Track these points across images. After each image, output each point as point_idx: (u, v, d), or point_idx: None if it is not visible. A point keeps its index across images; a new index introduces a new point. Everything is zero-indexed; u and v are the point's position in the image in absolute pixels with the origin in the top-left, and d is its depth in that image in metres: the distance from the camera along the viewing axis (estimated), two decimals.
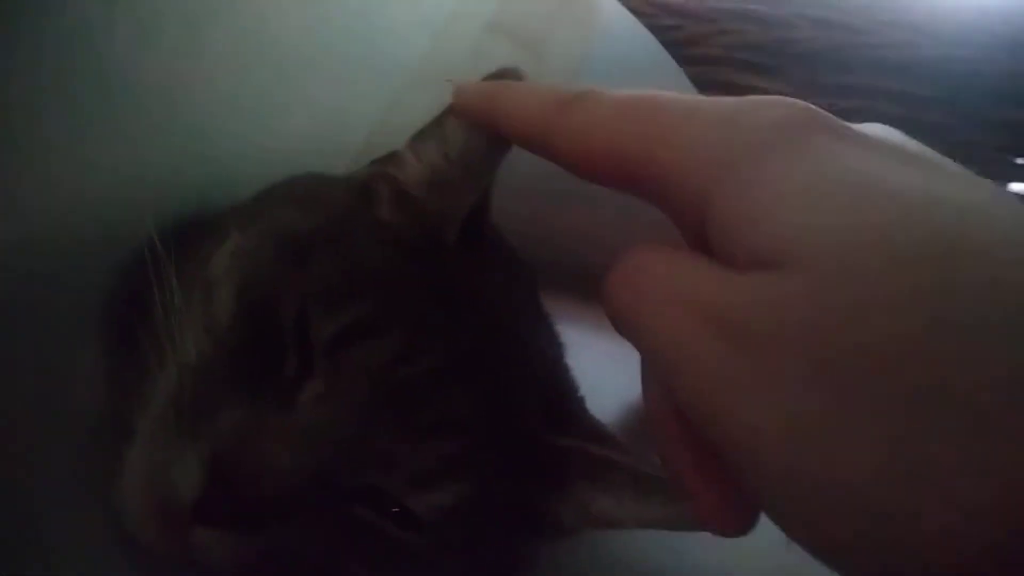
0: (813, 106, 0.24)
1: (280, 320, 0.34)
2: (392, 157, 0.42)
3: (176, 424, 0.33)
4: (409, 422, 0.34)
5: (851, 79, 0.61)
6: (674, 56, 0.62)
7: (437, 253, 0.38)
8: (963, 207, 0.21)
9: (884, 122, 0.26)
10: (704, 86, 0.63)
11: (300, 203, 0.40)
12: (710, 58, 0.68)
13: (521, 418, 0.37)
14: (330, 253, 0.36)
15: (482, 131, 0.37)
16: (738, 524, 0.25)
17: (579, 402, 0.43)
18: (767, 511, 0.22)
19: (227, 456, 0.31)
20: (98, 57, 0.39)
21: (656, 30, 0.63)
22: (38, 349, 0.38)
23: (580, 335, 0.48)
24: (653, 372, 0.26)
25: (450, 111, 0.39)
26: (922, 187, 0.21)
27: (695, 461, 0.25)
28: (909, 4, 0.63)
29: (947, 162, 0.24)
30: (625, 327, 0.24)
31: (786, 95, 0.25)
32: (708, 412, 0.21)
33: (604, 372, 0.48)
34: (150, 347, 0.36)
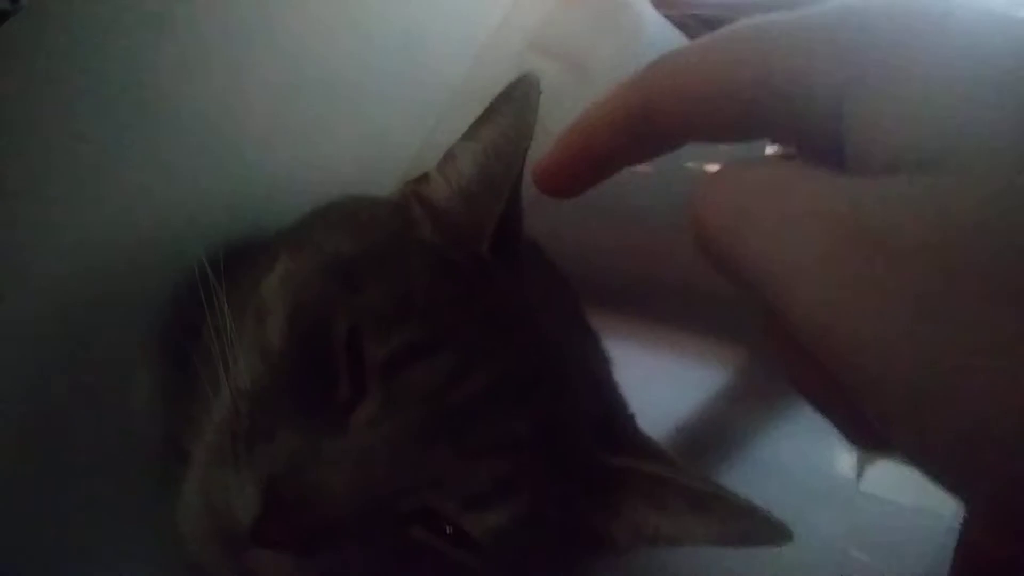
0: None
1: (332, 344, 0.35)
2: (424, 177, 0.42)
3: (232, 449, 0.33)
4: (462, 443, 0.34)
5: None
6: None
7: (480, 272, 0.38)
8: None
9: None
10: None
11: (346, 227, 0.40)
12: None
13: (573, 437, 0.37)
14: (379, 277, 0.36)
15: (496, 145, 0.37)
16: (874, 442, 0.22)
17: (630, 420, 0.42)
18: (907, 445, 0.18)
19: (283, 480, 0.32)
20: (143, 83, 0.40)
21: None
22: (95, 374, 0.39)
23: (627, 351, 0.48)
24: (760, 302, 0.21)
25: (472, 129, 0.39)
26: None
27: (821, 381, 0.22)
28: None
29: None
30: (722, 251, 0.21)
31: None
32: (827, 336, 0.18)
33: (652, 388, 0.47)
34: (204, 372, 0.37)
